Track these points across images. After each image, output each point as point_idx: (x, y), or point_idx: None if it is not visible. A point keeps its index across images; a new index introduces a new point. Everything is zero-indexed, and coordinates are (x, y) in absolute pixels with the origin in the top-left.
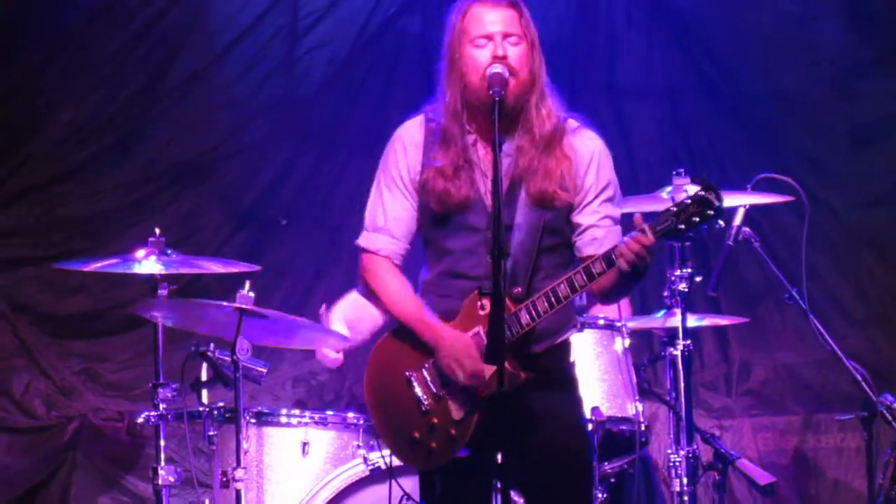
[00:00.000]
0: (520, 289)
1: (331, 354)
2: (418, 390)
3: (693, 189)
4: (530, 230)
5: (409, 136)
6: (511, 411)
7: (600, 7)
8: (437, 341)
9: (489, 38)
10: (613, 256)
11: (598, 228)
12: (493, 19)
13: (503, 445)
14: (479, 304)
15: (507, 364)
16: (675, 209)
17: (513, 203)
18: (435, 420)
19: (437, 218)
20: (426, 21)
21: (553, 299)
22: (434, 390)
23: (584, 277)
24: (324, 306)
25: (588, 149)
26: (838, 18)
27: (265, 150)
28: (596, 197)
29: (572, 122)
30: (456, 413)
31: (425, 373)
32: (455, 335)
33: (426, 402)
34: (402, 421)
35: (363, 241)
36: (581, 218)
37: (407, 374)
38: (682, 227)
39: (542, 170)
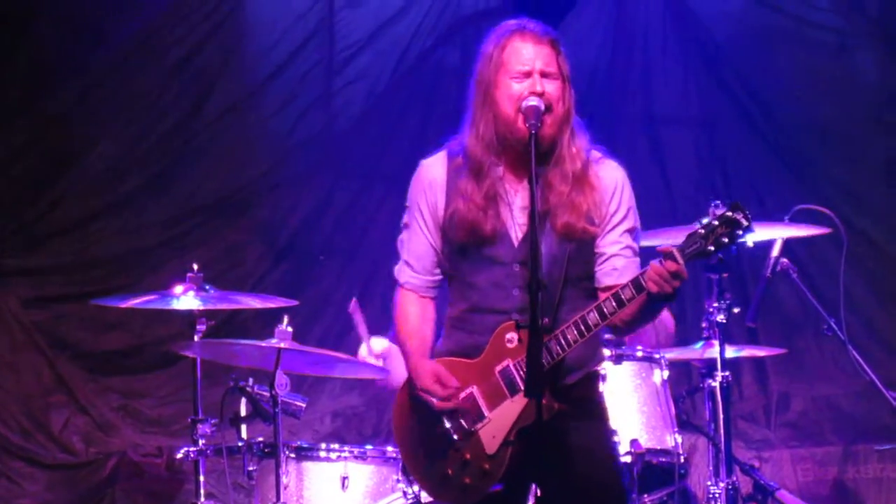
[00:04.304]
0: (546, 319)
1: (369, 358)
2: (449, 427)
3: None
4: (556, 262)
5: (431, 175)
6: (545, 444)
7: (637, 38)
8: (411, 373)
9: (528, 74)
10: (642, 281)
11: (619, 258)
12: (533, 55)
13: (537, 478)
14: (506, 337)
15: (544, 398)
16: (703, 231)
17: (539, 236)
18: (467, 455)
19: (462, 252)
20: (464, 53)
21: (583, 327)
22: (466, 426)
23: (614, 304)
24: (353, 301)
25: (612, 178)
26: (874, 49)
27: (303, 183)
28: (617, 226)
29: (595, 153)
30: (489, 448)
31: (455, 409)
32: (422, 365)
33: (458, 439)
34: (433, 458)
35: (395, 270)
36: (602, 248)
37: (437, 411)
38: (712, 248)
39: (570, 205)
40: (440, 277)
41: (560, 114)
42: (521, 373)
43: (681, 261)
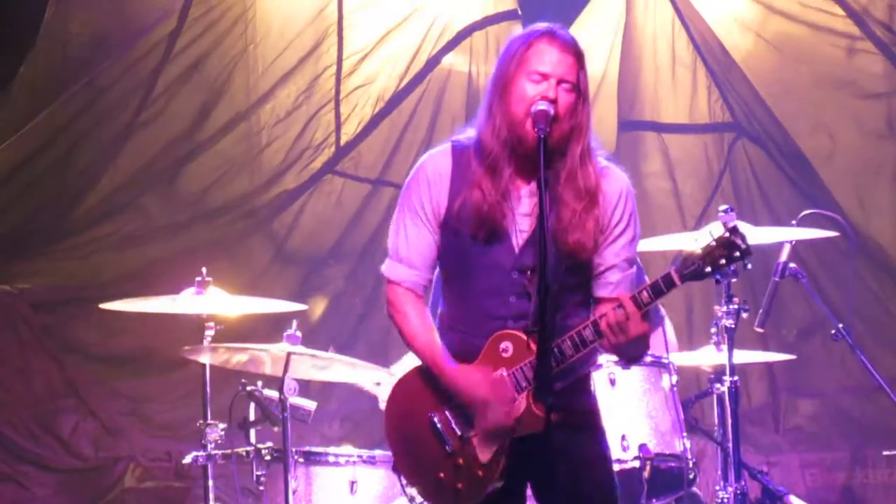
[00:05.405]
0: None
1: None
2: (442, 432)
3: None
4: (553, 271)
5: (436, 168)
6: (538, 452)
7: (646, 45)
8: (454, 385)
9: (545, 77)
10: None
11: (615, 272)
12: (556, 61)
13: (531, 480)
14: (500, 346)
15: (537, 408)
16: (700, 252)
17: (537, 244)
18: (460, 461)
19: (462, 253)
20: (473, 58)
21: (578, 342)
22: (459, 432)
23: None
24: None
25: (616, 188)
26: (884, 54)
27: (312, 188)
28: (619, 238)
29: (602, 161)
30: (483, 455)
31: (448, 413)
32: (472, 374)
33: (451, 444)
34: (427, 462)
35: (386, 269)
36: (601, 258)
37: (430, 415)
38: (709, 270)
39: (581, 226)
40: (432, 277)
41: (566, 127)
42: (516, 382)
43: (632, 307)
